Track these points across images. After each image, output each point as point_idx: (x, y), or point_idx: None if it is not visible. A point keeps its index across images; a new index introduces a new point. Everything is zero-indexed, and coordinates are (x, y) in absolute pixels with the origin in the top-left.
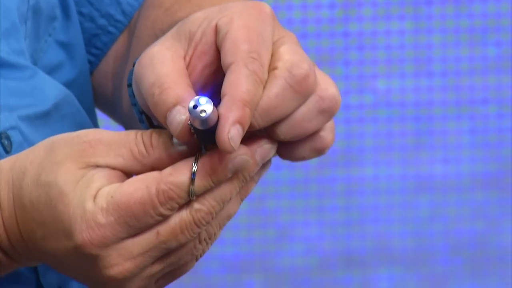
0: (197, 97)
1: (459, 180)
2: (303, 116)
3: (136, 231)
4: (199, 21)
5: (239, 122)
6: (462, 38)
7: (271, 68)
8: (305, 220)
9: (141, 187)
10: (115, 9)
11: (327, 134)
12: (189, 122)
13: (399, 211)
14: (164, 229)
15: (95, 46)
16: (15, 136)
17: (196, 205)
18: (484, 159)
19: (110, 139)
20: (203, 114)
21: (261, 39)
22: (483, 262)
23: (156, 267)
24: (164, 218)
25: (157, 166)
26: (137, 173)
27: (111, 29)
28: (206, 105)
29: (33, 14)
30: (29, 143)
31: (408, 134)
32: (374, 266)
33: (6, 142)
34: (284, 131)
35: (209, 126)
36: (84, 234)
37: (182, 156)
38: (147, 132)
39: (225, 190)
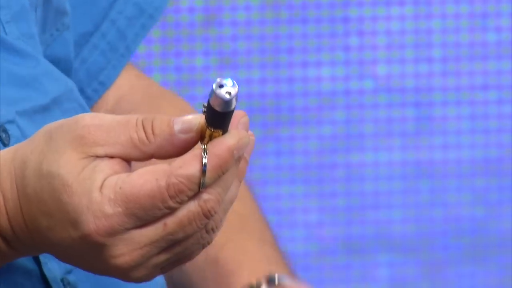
0: (222, 78)
1: (459, 166)
2: None
3: (143, 222)
4: None
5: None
6: (462, 24)
7: None
8: (305, 206)
9: (150, 179)
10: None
11: None
12: (205, 104)
13: (399, 197)
14: (171, 220)
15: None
16: (12, 130)
17: (205, 196)
18: (484, 145)
19: (109, 125)
20: (227, 96)
21: None
22: (483, 248)
23: (162, 257)
24: (172, 210)
25: (157, 154)
26: (136, 160)
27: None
28: (232, 88)
29: (44, 2)
30: (27, 138)
31: (408, 119)
32: (374, 252)
33: (3, 135)
34: None
35: (228, 110)
36: (91, 225)
37: (183, 144)
38: (148, 119)
39: (228, 175)
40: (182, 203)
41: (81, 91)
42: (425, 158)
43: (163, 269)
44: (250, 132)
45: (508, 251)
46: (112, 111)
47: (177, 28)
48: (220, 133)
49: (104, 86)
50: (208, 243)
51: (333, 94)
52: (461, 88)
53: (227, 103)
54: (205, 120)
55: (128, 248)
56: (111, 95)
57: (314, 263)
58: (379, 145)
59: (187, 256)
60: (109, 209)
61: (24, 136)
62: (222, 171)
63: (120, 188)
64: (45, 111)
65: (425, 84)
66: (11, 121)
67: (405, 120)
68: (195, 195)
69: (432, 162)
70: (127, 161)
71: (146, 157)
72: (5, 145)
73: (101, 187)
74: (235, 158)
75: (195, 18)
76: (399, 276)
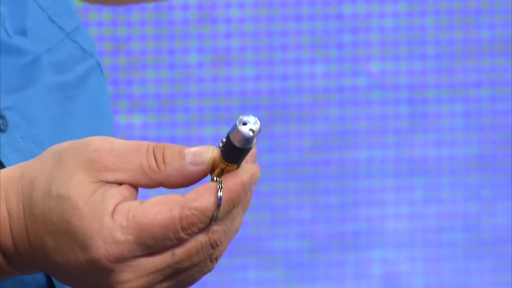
0: (246, 115)
1: (453, 162)
2: None
3: (151, 251)
4: None
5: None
6: (456, 21)
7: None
8: (298, 203)
9: (164, 209)
10: None
11: None
12: (223, 139)
13: (392, 194)
14: (180, 250)
15: None
16: (10, 116)
17: (214, 227)
18: (477, 142)
19: (120, 150)
20: (250, 133)
21: None
22: (477, 244)
23: (165, 284)
24: (181, 241)
25: (165, 182)
26: (144, 187)
27: None
28: (255, 125)
29: None
30: (29, 122)
31: (402, 116)
32: (368, 248)
33: (1, 121)
34: None
35: (248, 146)
36: (101, 250)
37: (193, 176)
38: (160, 147)
39: (237, 208)
40: (192, 235)
41: None
42: (418, 155)
43: None
44: (256, 163)
45: (502, 247)
46: None
47: (170, 25)
48: (235, 167)
49: None
50: (209, 271)
51: (327, 91)
52: (455, 85)
53: (249, 140)
54: (219, 154)
55: (135, 274)
56: None
57: (307, 260)
58: (372, 142)
59: (188, 283)
60: (120, 236)
61: (25, 120)
62: (234, 206)
63: (133, 216)
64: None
65: (418, 81)
66: (9, 108)
67: (398, 117)
68: (205, 227)
69: (426, 159)
70: (135, 187)
71: (154, 185)
72: (2, 131)
73: (112, 212)
74: (247, 192)
75: (188, 15)
76: (393, 273)
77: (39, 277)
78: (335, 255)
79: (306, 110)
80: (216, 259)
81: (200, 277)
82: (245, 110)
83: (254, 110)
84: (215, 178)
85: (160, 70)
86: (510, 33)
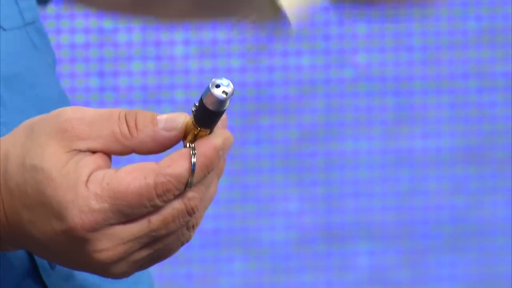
0: (219, 78)
1: (439, 154)
2: None
3: (127, 219)
4: None
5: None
6: (442, 12)
7: None
8: (285, 194)
9: (139, 177)
10: None
11: None
12: (196, 103)
13: (379, 186)
14: (156, 218)
15: None
16: None
17: (189, 194)
18: (464, 134)
19: (92, 118)
20: (223, 95)
21: None
22: (463, 236)
23: (143, 253)
24: (157, 208)
25: (138, 149)
26: (117, 154)
27: None
28: (228, 87)
29: None
30: (5, 107)
31: (388, 108)
32: (354, 240)
33: None
34: None
35: (221, 109)
36: (76, 219)
37: (166, 142)
38: (131, 113)
39: (211, 174)
40: (168, 202)
41: None
42: (405, 147)
43: (141, 266)
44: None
45: (488, 239)
46: None
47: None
48: (207, 132)
49: None
50: (187, 241)
51: (313, 82)
52: (441, 76)
53: (222, 102)
54: (192, 119)
55: (111, 243)
56: None
57: (294, 252)
58: (359, 133)
59: (166, 252)
60: (95, 204)
61: (2, 105)
62: (208, 171)
63: (107, 184)
64: (19, 77)
65: (405, 73)
66: None
67: (385, 109)
68: (180, 193)
69: (412, 150)
70: (108, 154)
71: (127, 152)
72: None
73: (87, 181)
74: (220, 157)
75: None
76: (379, 265)
77: (22, 254)
78: (322, 247)
79: (292, 102)
80: (193, 227)
81: (177, 247)
82: (232, 102)
83: (240, 101)
84: (188, 144)
85: (147, 62)
86: (496, 25)
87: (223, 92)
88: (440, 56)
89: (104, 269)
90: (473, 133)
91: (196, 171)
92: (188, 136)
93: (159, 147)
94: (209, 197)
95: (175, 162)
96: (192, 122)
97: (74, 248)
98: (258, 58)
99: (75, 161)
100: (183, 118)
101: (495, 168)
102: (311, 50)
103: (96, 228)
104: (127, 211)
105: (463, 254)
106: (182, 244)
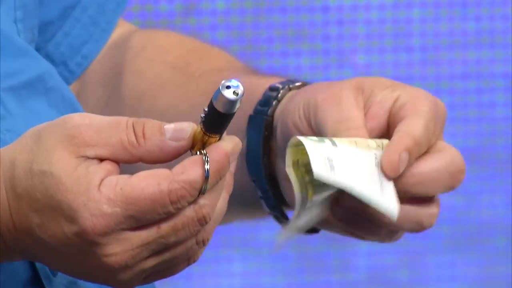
0: (229, 80)
1: None
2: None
3: (138, 225)
4: (382, 86)
5: (409, 150)
6: (441, 13)
7: (433, 150)
8: None
9: (152, 183)
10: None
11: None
12: (205, 109)
13: None
14: (166, 224)
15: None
16: None
17: (201, 201)
18: (463, 134)
19: (100, 125)
20: (234, 96)
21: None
22: (463, 237)
23: (150, 262)
24: (170, 215)
25: (145, 158)
26: (124, 162)
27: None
28: (238, 88)
29: None
30: (13, 116)
31: None
32: (354, 242)
33: None
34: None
35: (231, 111)
36: (87, 222)
37: (173, 151)
38: (139, 122)
39: (220, 182)
40: (181, 209)
41: (64, 64)
42: None
43: (146, 278)
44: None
45: (488, 240)
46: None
47: (156, 18)
48: (216, 139)
49: (87, 60)
50: (194, 260)
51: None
52: (441, 77)
53: (233, 103)
54: (201, 126)
55: (121, 248)
56: (92, 69)
57: (293, 252)
58: None
59: (172, 266)
60: (107, 208)
61: (9, 114)
62: (220, 177)
63: (121, 189)
64: (30, 86)
65: (404, 73)
66: None
67: None
68: (192, 201)
69: None
70: (116, 162)
71: (134, 160)
72: None
73: (99, 185)
74: (230, 163)
75: (174, 7)
76: (378, 265)
77: (24, 263)
78: (321, 248)
79: None
80: (204, 243)
81: (184, 263)
82: None
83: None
84: (199, 152)
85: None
86: (496, 25)
87: (234, 92)
88: (440, 57)
89: (111, 275)
90: (473, 133)
91: (211, 177)
92: (195, 145)
93: (166, 157)
94: (220, 210)
95: (189, 169)
96: (202, 129)
97: (83, 251)
98: (258, 58)
99: (85, 167)
100: (191, 128)
101: (495, 169)
102: (310, 51)
103: (107, 232)
104: (139, 217)
105: (462, 254)
106: (189, 262)
